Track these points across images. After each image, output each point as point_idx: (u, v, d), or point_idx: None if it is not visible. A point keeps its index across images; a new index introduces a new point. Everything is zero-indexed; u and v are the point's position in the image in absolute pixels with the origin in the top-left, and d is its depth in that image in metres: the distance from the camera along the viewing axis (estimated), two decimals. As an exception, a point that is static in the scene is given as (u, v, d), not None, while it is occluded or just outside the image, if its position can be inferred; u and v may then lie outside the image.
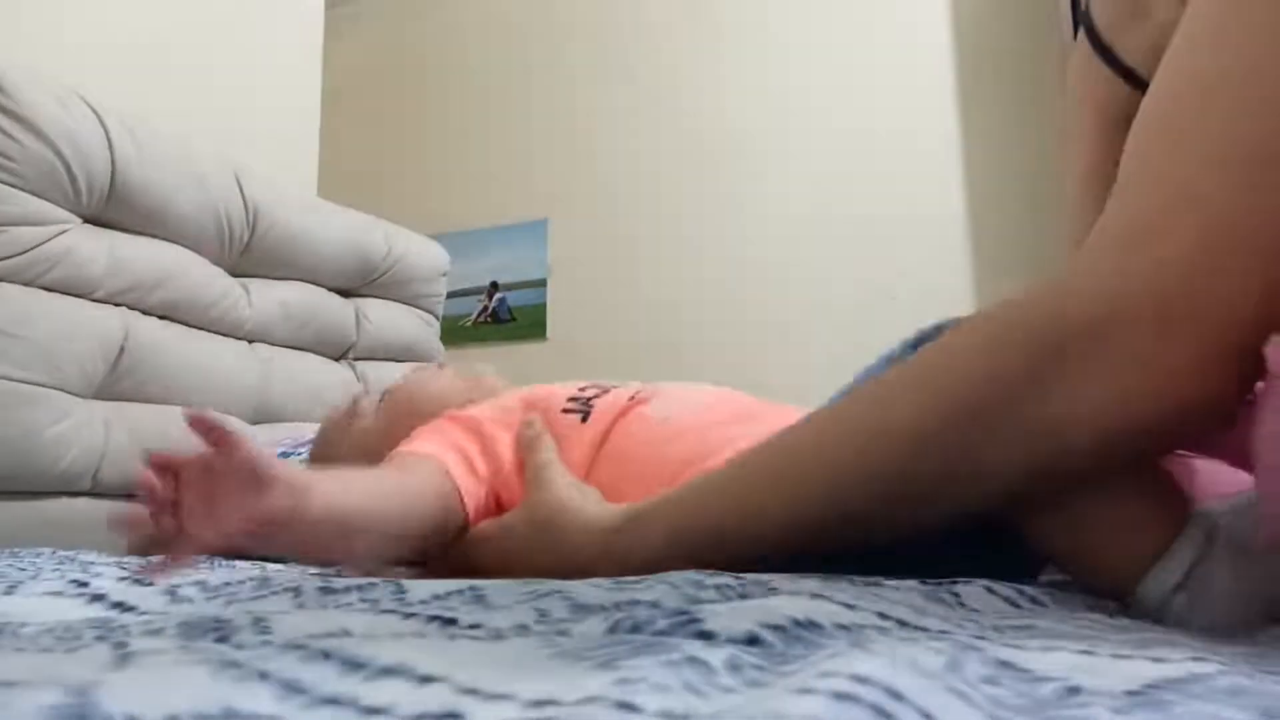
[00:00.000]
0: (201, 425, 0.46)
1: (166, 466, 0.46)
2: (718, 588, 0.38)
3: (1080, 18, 0.63)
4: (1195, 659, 0.23)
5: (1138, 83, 0.59)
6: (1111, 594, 0.42)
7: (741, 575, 0.49)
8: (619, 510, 0.57)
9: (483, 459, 0.66)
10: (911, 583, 0.41)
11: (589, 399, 0.72)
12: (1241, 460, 0.51)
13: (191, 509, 0.45)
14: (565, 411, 0.71)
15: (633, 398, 0.71)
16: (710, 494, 0.53)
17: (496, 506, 0.66)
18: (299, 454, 1.16)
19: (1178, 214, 0.39)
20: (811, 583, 0.39)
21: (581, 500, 0.59)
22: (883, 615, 0.30)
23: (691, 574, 0.46)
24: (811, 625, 0.28)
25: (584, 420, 0.70)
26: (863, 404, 0.48)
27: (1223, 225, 0.38)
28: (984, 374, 0.41)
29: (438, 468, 0.63)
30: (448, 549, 0.63)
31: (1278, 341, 0.35)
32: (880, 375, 0.48)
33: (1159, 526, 0.41)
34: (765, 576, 0.43)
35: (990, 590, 0.39)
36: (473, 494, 0.64)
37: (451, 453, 0.65)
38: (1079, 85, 0.65)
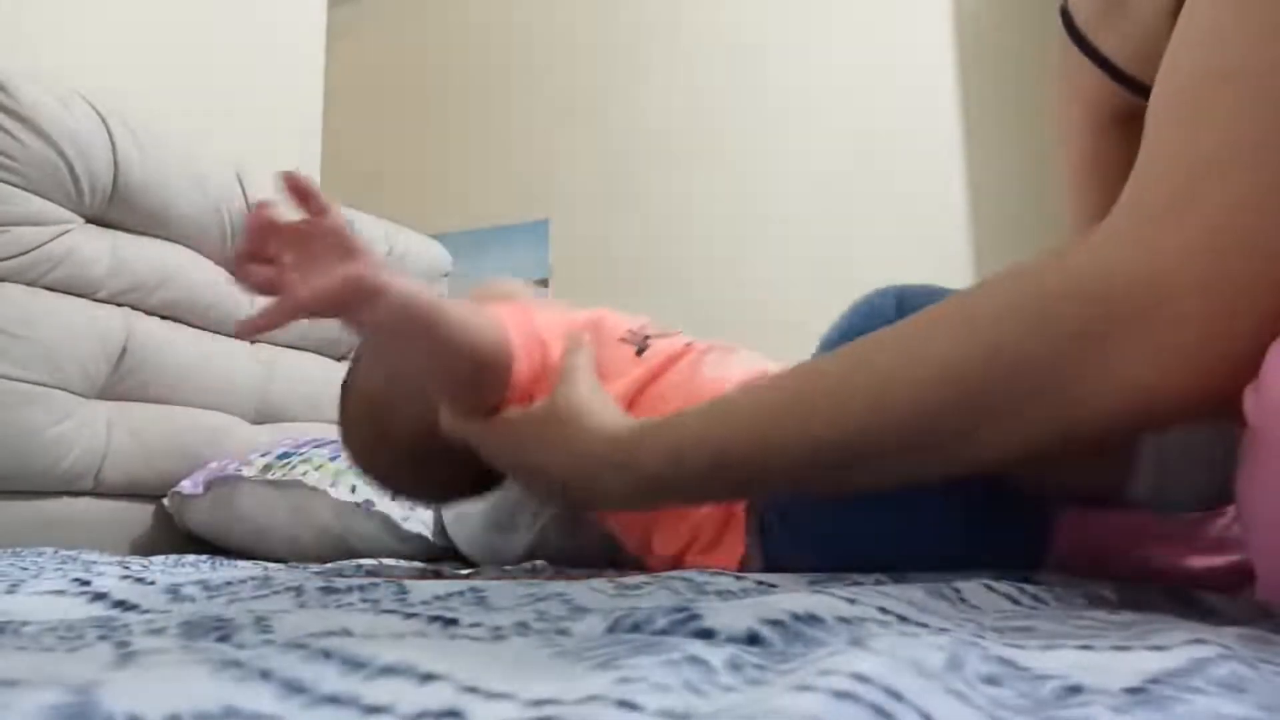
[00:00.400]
0: (296, 188, 0.47)
1: (265, 225, 0.47)
2: (718, 593, 0.38)
3: (1060, 13, 0.63)
4: (1195, 641, 0.23)
5: (1119, 76, 0.59)
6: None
7: (742, 575, 0.49)
8: (633, 421, 0.57)
9: (533, 355, 0.65)
10: (914, 575, 0.41)
11: (647, 336, 0.72)
12: None
13: (287, 267, 0.47)
14: (621, 340, 0.71)
15: (689, 345, 0.72)
16: (720, 416, 0.52)
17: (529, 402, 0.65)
18: (300, 454, 1.16)
19: (1205, 183, 0.39)
20: (810, 579, 0.39)
21: (601, 406, 0.59)
22: (883, 610, 0.30)
23: (693, 576, 0.46)
24: (812, 619, 0.28)
25: (638, 354, 0.70)
26: (895, 339, 0.46)
27: (1249, 201, 0.38)
28: (1033, 333, 0.41)
29: (500, 324, 0.63)
30: (475, 411, 0.63)
31: (1254, 389, 0.35)
32: (911, 317, 0.46)
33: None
34: (765, 579, 0.43)
35: (990, 588, 0.39)
36: (520, 365, 0.63)
37: (513, 328, 0.64)
38: (1065, 80, 0.66)
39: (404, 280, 0.54)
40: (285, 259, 0.48)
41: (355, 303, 0.51)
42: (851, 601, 0.30)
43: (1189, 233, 0.39)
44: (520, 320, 0.66)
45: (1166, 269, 0.38)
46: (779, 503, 0.62)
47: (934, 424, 0.43)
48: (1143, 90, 0.55)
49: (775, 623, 0.27)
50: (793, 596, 0.30)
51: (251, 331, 0.50)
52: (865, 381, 0.46)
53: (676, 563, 0.68)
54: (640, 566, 0.73)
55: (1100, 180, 0.65)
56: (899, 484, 0.48)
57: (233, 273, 0.49)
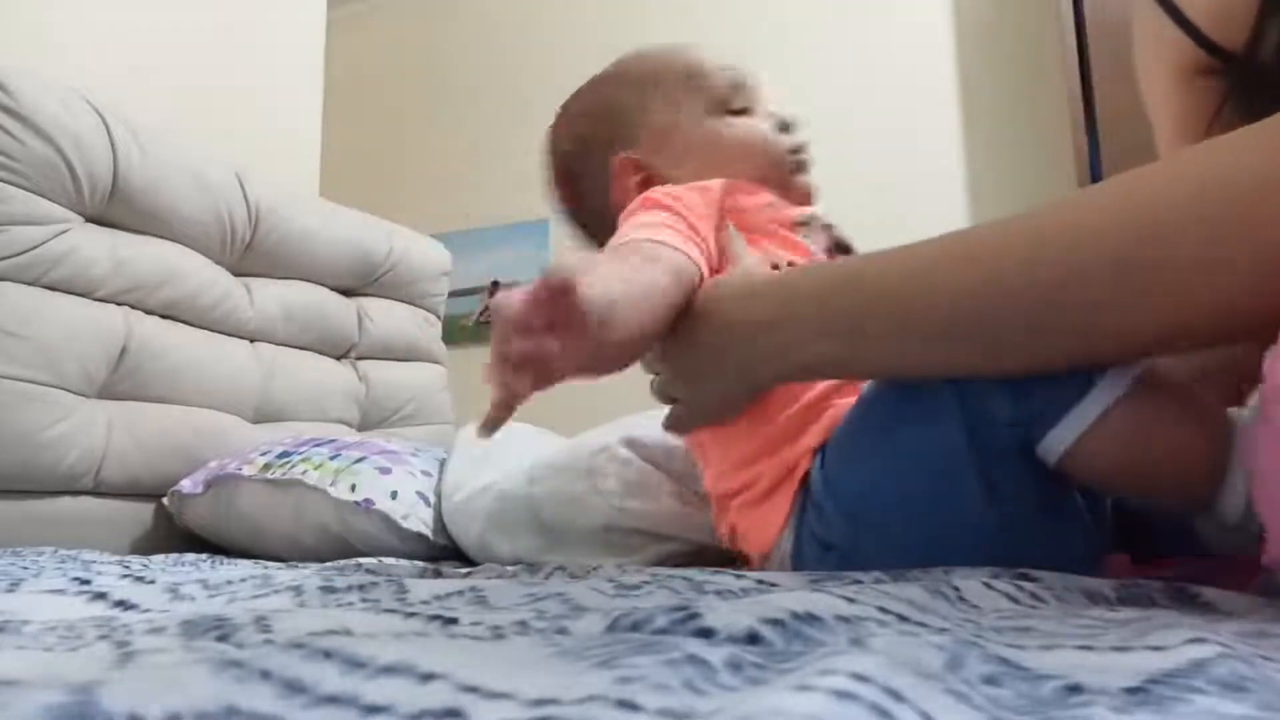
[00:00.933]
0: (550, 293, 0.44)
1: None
2: (718, 592, 0.38)
3: None
4: (1194, 641, 0.23)
5: (1200, 39, 0.59)
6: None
7: (742, 574, 0.49)
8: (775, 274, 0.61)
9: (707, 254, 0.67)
10: (914, 574, 0.41)
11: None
12: None
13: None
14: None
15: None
16: (876, 263, 0.54)
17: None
18: (300, 453, 1.16)
19: None
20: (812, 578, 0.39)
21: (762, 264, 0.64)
22: (883, 610, 0.30)
23: (693, 575, 0.46)
24: (811, 618, 0.28)
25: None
26: (1055, 210, 0.47)
27: None
28: (1192, 216, 0.40)
29: (687, 264, 0.62)
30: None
31: (1273, 353, 0.35)
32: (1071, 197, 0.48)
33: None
34: (766, 579, 0.43)
35: (989, 585, 0.39)
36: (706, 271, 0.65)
37: (693, 246, 0.64)
38: (1146, 46, 0.67)
39: (623, 321, 0.53)
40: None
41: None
42: (850, 600, 0.30)
43: None
44: (682, 230, 0.66)
45: None
46: (828, 467, 0.60)
47: (1081, 286, 0.43)
48: (1220, 53, 0.56)
49: (775, 622, 0.27)
50: (792, 595, 0.30)
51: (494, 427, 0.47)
52: (1022, 241, 0.46)
53: (723, 508, 0.68)
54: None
55: (1195, 137, 0.64)
56: (1022, 362, 0.47)
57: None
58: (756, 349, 0.57)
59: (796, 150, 0.78)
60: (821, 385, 0.62)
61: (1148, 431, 0.48)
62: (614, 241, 0.63)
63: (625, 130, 0.78)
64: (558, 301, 0.43)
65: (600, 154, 0.78)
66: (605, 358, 0.55)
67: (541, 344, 0.44)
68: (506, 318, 0.43)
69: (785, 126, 0.77)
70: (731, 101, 0.78)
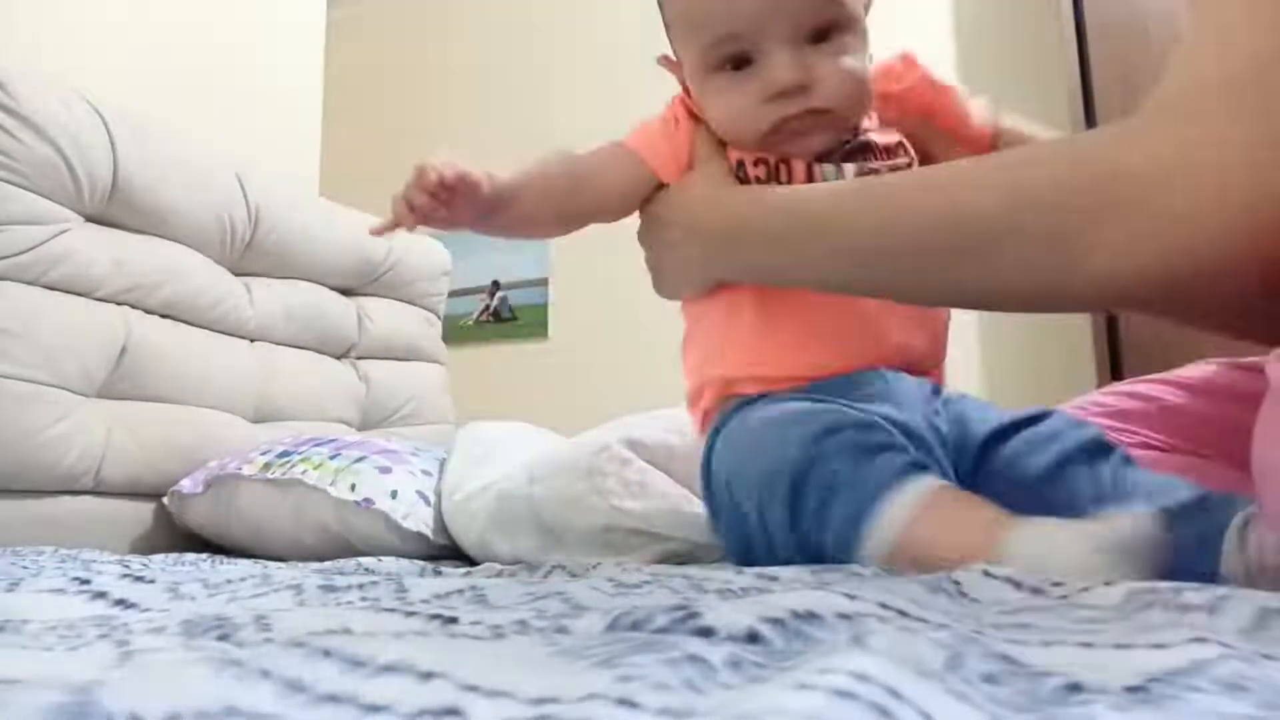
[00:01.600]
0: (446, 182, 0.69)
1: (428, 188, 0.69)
2: (718, 591, 0.38)
3: None
4: (1196, 640, 0.23)
5: None
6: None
7: (742, 570, 0.49)
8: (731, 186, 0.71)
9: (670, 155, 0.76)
10: (917, 577, 0.41)
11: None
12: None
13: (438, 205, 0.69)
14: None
15: None
16: (794, 196, 0.66)
17: None
18: (300, 452, 1.16)
19: (1243, 96, 0.43)
20: (812, 577, 0.39)
21: (724, 171, 0.72)
22: (884, 605, 0.30)
23: (693, 574, 0.46)
24: (811, 616, 0.28)
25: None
26: (952, 166, 0.60)
27: (1247, 118, 0.42)
28: (1053, 186, 0.49)
29: (634, 159, 0.76)
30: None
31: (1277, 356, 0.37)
32: (965, 163, 0.60)
33: None
34: (765, 572, 0.43)
35: (989, 574, 0.39)
36: (662, 170, 0.75)
37: (658, 147, 0.76)
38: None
39: (520, 205, 0.74)
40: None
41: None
42: (851, 598, 0.30)
43: (1191, 137, 0.43)
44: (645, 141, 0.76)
45: (1164, 166, 0.43)
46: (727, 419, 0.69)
47: (956, 232, 0.53)
48: None
49: (775, 621, 0.27)
50: (793, 594, 0.30)
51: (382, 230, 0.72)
52: (938, 194, 0.56)
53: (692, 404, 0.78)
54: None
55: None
56: (910, 290, 0.61)
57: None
58: (712, 246, 0.70)
59: (784, 122, 0.69)
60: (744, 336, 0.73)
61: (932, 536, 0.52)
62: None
63: (666, 30, 0.77)
64: (459, 185, 0.69)
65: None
66: (497, 225, 0.74)
67: (434, 209, 0.69)
68: (418, 178, 0.69)
69: (782, 92, 0.68)
70: (726, 52, 0.70)
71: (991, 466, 0.63)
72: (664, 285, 0.78)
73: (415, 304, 1.78)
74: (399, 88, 3.32)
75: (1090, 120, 1.93)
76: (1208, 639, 0.23)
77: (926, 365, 0.73)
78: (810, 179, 0.70)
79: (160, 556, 0.94)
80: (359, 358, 1.65)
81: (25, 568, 0.66)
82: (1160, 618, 0.31)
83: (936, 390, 0.70)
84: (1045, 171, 0.51)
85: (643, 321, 2.85)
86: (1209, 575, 0.45)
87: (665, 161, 0.74)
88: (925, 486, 0.54)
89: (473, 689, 0.19)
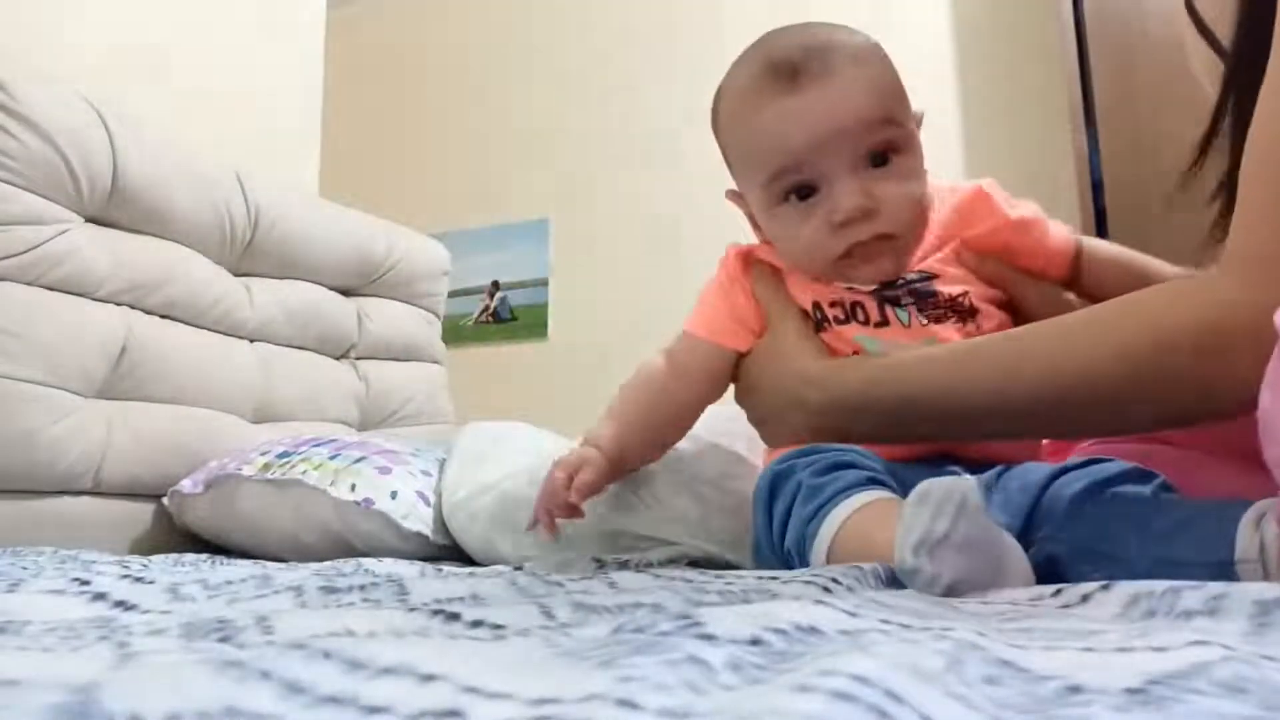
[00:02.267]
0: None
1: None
2: (720, 593, 0.38)
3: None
4: (1196, 642, 0.23)
5: (1210, 40, 0.65)
6: None
7: (743, 574, 0.49)
8: (831, 359, 0.71)
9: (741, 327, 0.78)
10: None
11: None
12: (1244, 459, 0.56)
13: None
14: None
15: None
16: (912, 363, 0.67)
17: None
18: (300, 453, 1.16)
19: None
20: (815, 590, 0.39)
21: (809, 346, 0.73)
22: (885, 621, 0.30)
23: (694, 576, 0.46)
24: (814, 630, 0.28)
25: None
26: (1066, 334, 0.62)
27: None
28: (1162, 350, 0.55)
29: (705, 346, 0.78)
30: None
31: None
32: (1081, 315, 0.63)
33: None
34: (767, 583, 0.43)
35: (986, 603, 0.39)
36: (731, 335, 0.77)
37: (719, 320, 0.78)
38: (1193, 57, 0.74)
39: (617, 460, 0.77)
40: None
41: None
42: (853, 615, 0.30)
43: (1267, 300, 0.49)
44: (724, 311, 0.78)
45: (1266, 314, 0.48)
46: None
47: (1089, 403, 0.58)
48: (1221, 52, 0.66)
49: (778, 630, 0.27)
50: (795, 606, 0.30)
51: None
52: (1037, 365, 0.61)
53: None
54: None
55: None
56: (1040, 434, 0.69)
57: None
58: (822, 418, 0.70)
59: (856, 248, 0.69)
60: None
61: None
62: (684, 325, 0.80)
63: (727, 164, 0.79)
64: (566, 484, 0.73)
65: None
66: (628, 470, 0.81)
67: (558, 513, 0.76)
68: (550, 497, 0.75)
69: (849, 219, 0.68)
70: (791, 183, 0.70)
71: (1040, 510, 0.62)
72: (771, 442, 0.77)
73: (415, 304, 1.78)
74: (399, 88, 3.32)
75: (1090, 120, 1.93)
76: (1208, 641, 0.23)
77: (1008, 456, 0.70)
78: (883, 314, 0.71)
79: (160, 557, 0.94)
80: (359, 358, 1.65)
81: (25, 568, 0.66)
82: (1161, 621, 0.31)
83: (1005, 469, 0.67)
84: (1148, 328, 0.57)
85: (643, 322, 2.86)
86: (1224, 565, 0.46)
87: (735, 331, 0.76)
88: (874, 495, 0.57)
89: (473, 690, 0.19)
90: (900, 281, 0.71)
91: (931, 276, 0.71)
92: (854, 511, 0.56)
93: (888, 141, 0.69)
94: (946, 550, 0.43)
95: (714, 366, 0.77)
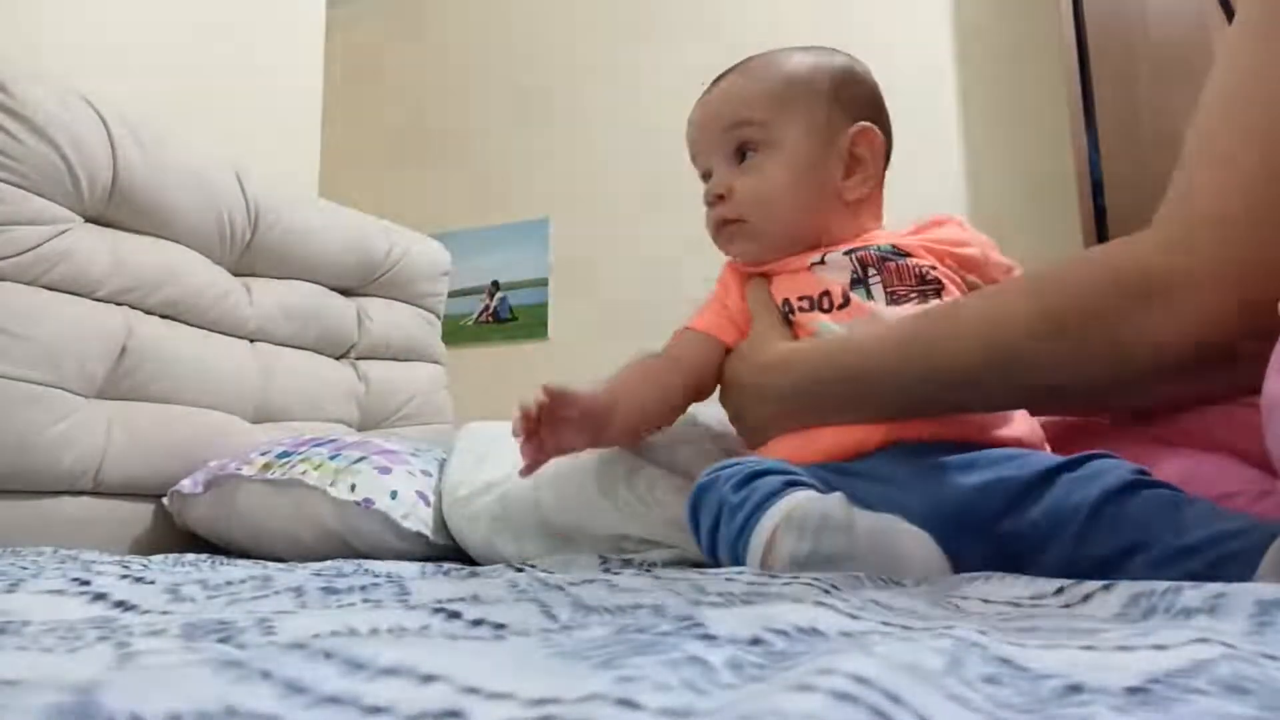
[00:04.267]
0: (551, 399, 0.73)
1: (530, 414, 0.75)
2: (720, 594, 0.38)
3: None
4: (1197, 641, 0.23)
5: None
6: None
7: (741, 570, 0.49)
8: (786, 345, 0.76)
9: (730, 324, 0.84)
10: (921, 589, 0.41)
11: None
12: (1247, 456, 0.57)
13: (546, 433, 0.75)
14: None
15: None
16: (854, 345, 0.71)
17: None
18: (299, 453, 1.16)
19: (1217, 177, 0.54)
20: (815, 591, 0.39)
21: (776, 336, 0.78)
22: (885, 624, 0.30)
23: (694, 576, 0.46)
24: (814, 631, 0.28)
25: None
26: (983, 301, 0.67)
27: (1256, 190, 0.52)
28: (1093, 296, 0.59)
29: (701, 338, 0.84)
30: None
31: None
32: (999, 286, 0.72)
33: None
34: (768, 584, 0.43)
35: (991, 584, 0.39)
36: (722, 329, 0.84)
37: (721, 322, 0.84)
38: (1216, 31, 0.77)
39: (622, 417, 0.80)
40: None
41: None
42: (855, 617, 0.30)
43: (1191, 230, 0.55)
44: (715, 309, 0.85)
45: (1175, 264, 0.55)
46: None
47: (1018, 358, 0.61)
48: None
49: (779, 631, 0.27)
50: (797, 608, 0.30)
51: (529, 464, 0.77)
52: (974, 327, 0.64)
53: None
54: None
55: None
56: (986, 406, 0.68)
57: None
58: (784, 405, 0.75)
59: (716, 228, 0.84)
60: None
61: None
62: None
63: None
64: (556, 405, 0.72)
65: None
66: (610, 439, 0.82)
67: (541, 442, 0.76)
68: (518, 414, 0.74)
69: (708, 202, 0.84)
70: (701, 170, 0.86)
71: (1030, 513, 0.61)
72: (748, 436, 0.82)
73: (415, 304, 1.78)
74: (399, 88, 3.32)
75: (1090, 120, 1.93)
76: (1209, 639, 0.23)
77: (965, 436, 0.69)
78: (845, 298, 0.77)
79: (160, 557, 0.94)
80: (359, 358, 1.65)
81: (25, 568, 0.66)
82: (1161, 619, 0.31)
83: (971, 461, 0.66)
84: (1073, 284, 0.60)
85: (643, 322, 2.86)
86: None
87: (725, 328, 0.83)
88: (796, 499, 0.58)
89: (473, 691, 0.19)
90: (871, 248, 0.79)
91: (905, 254, 0.79)
92: (777, 524, 0.56)
93: (746, 140, 0.82)
94: (812, 567, 0.47)
95: (705, 357, 0.83)
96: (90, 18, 1.58)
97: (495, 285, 3.06)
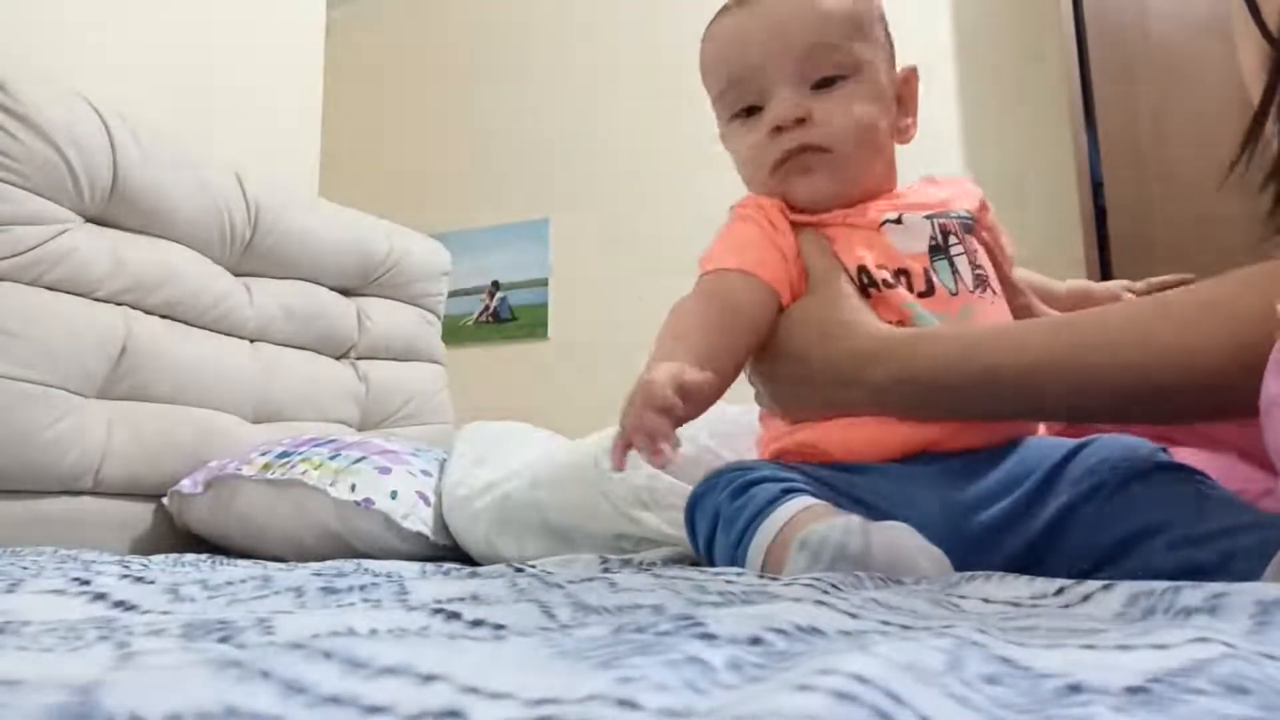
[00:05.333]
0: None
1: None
2: (720, 593, 0.38)
3: None
4: (1197, 640, 0.23)
5: (1266, 35, 0.64)
6: None
7: (742, 571, 0.49)
8: (894, 329, 0.66)
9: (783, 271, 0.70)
10: (921, 588, 0.41)
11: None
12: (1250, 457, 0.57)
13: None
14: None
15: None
16: (990, 339, 0.62)
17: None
18: (299, 453, 1.16)
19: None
20: (815, 591, 0.39)
21: (859, 305, 0.67)
22: (885, 623, 0.30)
23: (694, 575, 0.46)
24: (814, 631, 0.28)
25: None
26: (1176, 332, 0.57)
27: None
28: (1264, 335, 0.51)
29: (761, 285, 0.69)
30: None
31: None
32: (1185, 295, 0.59)
33: None
34: (768, 583, 0.43)
35: (991, 583, 0.39)
36: (785, 285, 0.70)
37: (772, 269, 0.69)
38: (1240, 28, 0.73)
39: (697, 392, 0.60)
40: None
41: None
42: (854, 616, 0.30)
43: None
44: (763, 252, 0.70)
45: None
46: None
47: (1201, 386, 0.55)
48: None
49: (779, 631, 0.27)
50: (797, 607, 0.30)
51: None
52: (1170, 357, 0.56)
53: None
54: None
55: None
56: (1143, 419, 0.63)
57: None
58: (875, 394, 0.65)
59: (783, 160, 0.70)
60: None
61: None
62: (707, 264, 0.71)
63: None
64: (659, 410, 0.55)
65: None
66: (696, 413, 0.63)
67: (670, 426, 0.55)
68: (647, 398, 0.55)
69: (780, 125, 0.69)
70: (739, 100, 0.73)
71: (1051, 503, 0.61)
72: (793, 412, 0.70)
73: (415, 304, 1.78)
74: (399, 88, 3.32)
75: (1090, 120, 1.93)
76: (1209, 638, 0.23)
77: (995, 441, 0.67)
78: (928, 282, 0.68)
79: (160, 557, 0.94)
80: (359, 358, 1.66)
81: (25, 568, 0.66)
82: (1161, 619, 0.31)
83: (990, 460, 0.65)
84: (1261, 314, 0.53)
85: (643, 321, 2.85)
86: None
87: (784, 284, 0.69)
88: (794, 507, 0.57)
89: (473, 691, 0.19)
90: (950, 214, 0.71)
91: (971, 219, 0.72)
92: (775, 534, 0.56)
93: (831, 65, 0.70)
94: None
95: (767, 314, 0.69)
96: (90, 18, 1.58)
97: (495, 285, 3.06)
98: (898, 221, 0.70)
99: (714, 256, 0.71)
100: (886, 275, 0.68)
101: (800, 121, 0.69)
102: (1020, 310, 0.75)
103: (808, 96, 0.69)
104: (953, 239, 0.70)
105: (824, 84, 0.70)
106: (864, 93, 0.70)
